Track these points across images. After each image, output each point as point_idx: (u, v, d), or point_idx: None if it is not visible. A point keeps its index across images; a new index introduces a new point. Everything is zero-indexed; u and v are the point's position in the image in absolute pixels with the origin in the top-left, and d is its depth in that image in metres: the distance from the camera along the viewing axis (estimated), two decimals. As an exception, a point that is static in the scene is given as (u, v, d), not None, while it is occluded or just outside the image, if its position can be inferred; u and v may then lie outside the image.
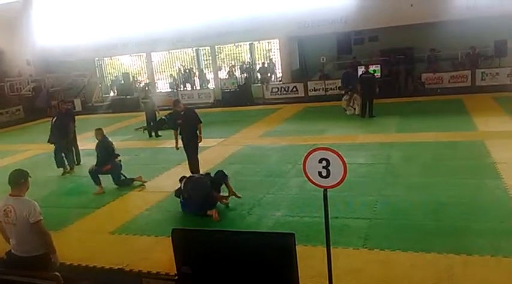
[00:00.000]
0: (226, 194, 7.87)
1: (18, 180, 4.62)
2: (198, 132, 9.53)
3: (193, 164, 9.58)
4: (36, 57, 26.29)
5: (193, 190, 7.48)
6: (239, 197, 7.90)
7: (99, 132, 9.44)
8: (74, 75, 25.70)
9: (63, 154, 11.22)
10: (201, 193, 7.42)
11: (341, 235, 6.12)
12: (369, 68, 15.56)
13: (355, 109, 15.38)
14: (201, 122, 9.59)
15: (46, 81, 25.89)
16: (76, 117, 12.52)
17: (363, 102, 14.85)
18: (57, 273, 4.01)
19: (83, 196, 9.45)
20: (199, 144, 9.75)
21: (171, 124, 10.08)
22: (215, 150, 12.28)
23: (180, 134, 9.63)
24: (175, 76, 24.64)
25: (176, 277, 3.99)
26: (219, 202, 7.68)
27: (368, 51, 21.43)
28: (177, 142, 9.72)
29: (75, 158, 12.04)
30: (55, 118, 11.73)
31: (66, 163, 11.28)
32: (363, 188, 8.01)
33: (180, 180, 7.86)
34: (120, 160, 9.58)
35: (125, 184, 9.48)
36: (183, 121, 9.48)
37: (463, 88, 18.27)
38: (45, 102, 24.86)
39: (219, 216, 7.27)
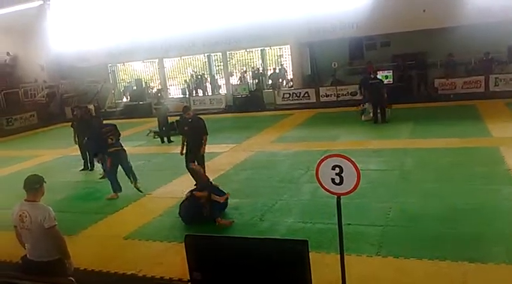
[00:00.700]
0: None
1: (33, 185, 4.65)
2: (202, 142, 9.38)
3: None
4: (51, 63, 26.62)
5: (184, 214, 7.55)
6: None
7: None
8: (88, 81, 25.99)
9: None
10: (190, 216, 7.47)
11: (354, 242, 6.07)
12: (377, 74, 15.44)
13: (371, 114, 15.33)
14: (206, 134, 9.51)
15: (60, 87, 26.21)
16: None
17: (374, 109, 14.79)
18: (71, 278, 4.04)
19: (96, 202, 9.52)
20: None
21: (179, 130, 10.06)
22: (227, 156, 12.30)
23: (186, 141, 9.60)
24: (188, 82, 24.79)
25: (189, 283, 4.00)
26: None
27: (380, 56, 21.37)
28: (182, 148, 9.67)
29: (88, 163, 12.15)
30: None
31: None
32: (376, 194, 7.96)
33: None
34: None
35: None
36: (189, 128, 9.45)
37: (477, 94, 18.11)
38: (59, 108, 25.19)
39: (231, 225, 7.30)
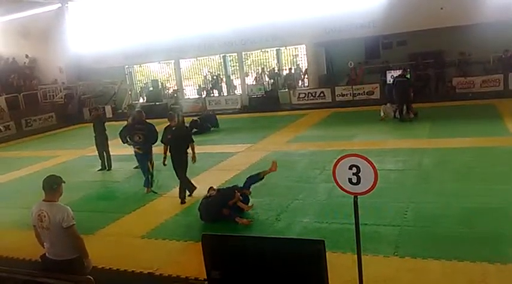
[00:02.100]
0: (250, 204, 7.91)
1: (52, 185, 4.71)
2: (191, 150, 8.96)
3: (185, 182, 8.98)
4: (69, 64, 26.98)
5: (204, 212, 7.57)
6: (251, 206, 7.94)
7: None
8: (105, 83, 26.26)
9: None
10: (211, 214, 7.50)
11: (371, 242, 6.03)
12: (406, 72, 15.37)
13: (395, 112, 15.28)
14: (192, 141, 9.02)
15: (78, 88, 26.55)
16: (106, 123, 12.72)
17: (400, 106, 14.73)
18: (89, 277, 4.09)
19: (113, 201, 9.64)
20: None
21: (162, 138, 9.10)
22: (242, 156, 12.32)
23: (170, 151, 8.88)
24: (204, 83, 24.91)
25: (206, 282, 4.02)
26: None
27: (397, 55, 21.19)
28: (165, 158, 8.90)
29: (106, 163, 12.28)
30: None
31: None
32: (393, 194, 7.89)
33: (208, 191, 7.93)
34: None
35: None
36: (172, 137, 8.83)
37: (495, 93, 17.85)
38: (77, 109, 25.51)
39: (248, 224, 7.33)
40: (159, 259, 6.39)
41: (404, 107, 14.71)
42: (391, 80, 16.16)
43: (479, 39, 17.93)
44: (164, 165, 8.97)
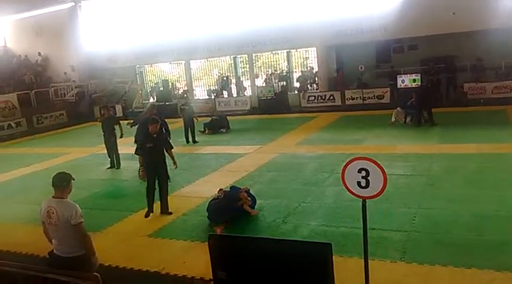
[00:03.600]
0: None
1: (61, 183, 4.74)
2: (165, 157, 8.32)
3: (166, 198, 8.34)
4: (80, 63, 27.19)
5: (212, 213, 7.57)
6: (257, 212, 7.90)
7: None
8: (116, 82, 26.42)
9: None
10: (219, 215, 7.47)
11: (378, 247, 6.00)
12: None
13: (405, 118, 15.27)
14: (172, 147, 8.52)
15: (89, 87, 26.74)
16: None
17: (419, 111, 14.78)
18: (96, 274, 4.11)
19: (122, 199, 9.69)
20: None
21: (141, 149, 8.13)
22: (251, 157, 12.32)
23: (148, 160, 8.02)
24: (215, 84, 25.01)
25: (212, 282, 4.02)
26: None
27: (408, 59, 21.09)
28: (144, 172, 8.03)
29: (115, 162, 12.35)
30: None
31: None
32: (402, 200, 7.84)
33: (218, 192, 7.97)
34: None
35: None
36: (154, 145, 7.98)
37: (507, 99, 17.68)
38: (88, 107, 25.70)
39: (254, 225, 7.34)
40: (166, 258, 6.41)
41: (425, 113, 14.72)
42: (402, 84, 16.17)
43: (491, 45, 17.80)
44: (144, 180, 8.10)
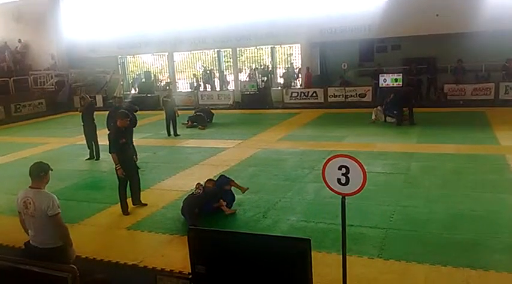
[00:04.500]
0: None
1: (38, 173, 4.67)
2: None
3: (138, 189, 8.29)
4: (61, 52, 26.72)
5: (185, 208, 7.48)
6: (247, 189, 8.09)
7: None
8: (97, 72, 26.02)
9: None
10: (187, 211, 7.39)
11: (356, 244, 6.07)
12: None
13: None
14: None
15: (69, 76, 26.30)
16: (96, 112, 12.60)
17: (400, 111, 14.94)
18: (73, 265, 4.06)
19: (100, 191, 9.57)
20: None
21: (113, 145, 7.78)
22: (233, 152, 12.31)
23: (123, 156, 7.82)
24: (197, 77, 24.87)
25: (190, 276, 4.01)
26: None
27: (390, 59, 21.31)
28: (121, 169, 7.79)
29: (94, 153, 12.20)
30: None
31: None
32: (380, 197, 7.93)
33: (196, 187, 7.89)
34: None
35: None
36: (126, 140, 7.97)
37: (486, 101, 18.00)
38: (67, 96, 25.27)
39: (234, 220, 7.35)
40: (144, 251, 6.37)
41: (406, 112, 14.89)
42: (383, 83, 16.34)
43: (472, 48, 18.12)
44: (123, 175, 7.84)
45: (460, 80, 19.18)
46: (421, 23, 18.91)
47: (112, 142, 7.82)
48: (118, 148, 7.73)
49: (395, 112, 15.00)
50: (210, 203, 7.57)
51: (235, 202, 7.92)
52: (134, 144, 9.25)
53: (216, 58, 25.49)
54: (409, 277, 5.30)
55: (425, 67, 20.07)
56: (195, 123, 16.72)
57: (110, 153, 7.87)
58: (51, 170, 4.78)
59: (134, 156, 8.52)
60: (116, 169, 7.80)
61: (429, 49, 20.32)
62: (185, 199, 7.66)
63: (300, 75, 23.37)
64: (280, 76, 23.85)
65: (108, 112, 11.59)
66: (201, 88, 24.51)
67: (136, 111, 11.30)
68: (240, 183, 8.25)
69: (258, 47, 24.16)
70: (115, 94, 21.43)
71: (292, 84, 23.30)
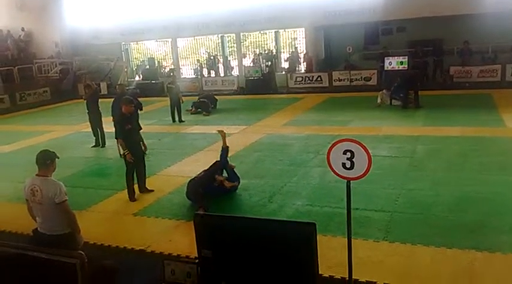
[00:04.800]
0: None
1: (45, 161, 4.70)
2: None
3: (144, 176, 8.36)
4: (65, 39, 26.67)
5: (190, 191, 7.57)
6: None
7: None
8: (101, 59, 25.98)
9: None
10: (192, 192, 7.46)
11: (362, 227, 6.09)
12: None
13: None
14: (141, 128, 8.50)
15: (73, 63, 26.28)
16: (100, 100, 12.60)
17: (406, 93, 14.88)
18: (81, 252, 4.10)
19: (107, 178, 9.64)
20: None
21: (119, 131, 7.88)
22: (237, 138, 12.31)
23: (127, 142, 7.80)
24: (201, 62, 24.79)
25: (197, 260, 4.05)
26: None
27: (396, 42, 21.09)
28: (129, 155, 7.75)
29: (100, 140, 12.25)
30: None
31: None
32: (386, 181, 7.93)
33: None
34: None
35: None
36: (132, 126, 7.97)
37: (493, 83, 17.84)
38: (72, 84, 25.30)
39: (240, 205, 7.40)
40: (151, 237, 6.43)
41: (411, 95, 14.80)
42: (389, 66, 16.21)
43: (478, 29, 17.83)
44: (132, 161, 7.81)
45: (466, 62, 18.99)
46: (426, 5, 18.65)
47: (118, 128, 7.91)
48: (124, 134, 7.77)
49: (401, 95, 14.92)
50: (211, 182, 7.59)
51: (240, 186, 7.95)
52: (141, 132, 9.30)
53: (220, 43, 25.34)
54: (414, 260, 5.32)
55: (431, 49, 19.87)
56: (199, 109, 16.70)
57: (115, 138, 8.01)
58: (58, 158, 4.81)
59: (142, 145, 8.49)
60: (125, 155, 7.83)
61: (435, 31, 20.06)
62: (188, 182, 7.71)
63: (303, 60, 23.22)
64: (285, 60, 23.69)
65: (112, 100, 11.59)
66: (205, 74, 24.44)
67: (138, 94, 11.30)
68: (245, 168, 8.28)
69: (261, 32, 23.97)
70: (119, 82, 21.46)
71: (297, 68, 23.17)
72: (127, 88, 14.17)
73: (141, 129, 8.43)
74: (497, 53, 19.33)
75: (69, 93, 24.33)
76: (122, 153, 9.81)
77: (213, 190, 7.58)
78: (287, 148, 10.95)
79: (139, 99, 11.43)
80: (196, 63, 25.23)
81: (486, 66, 18.68)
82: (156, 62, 25.84)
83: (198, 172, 7.92)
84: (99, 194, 8.45)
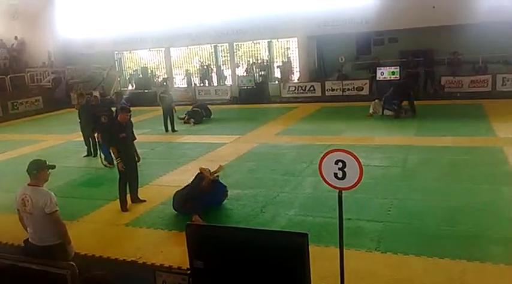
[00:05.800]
0: None
1: (32, 170, 4.68)
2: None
3: (137, 186, 8.30)
4: (57, 48, 26.61)
5: (174, 202, 7.59)
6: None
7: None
8: (94, 68, 25.97)
9: None
10: (179, 204, 7.48)
11: (354, 237, 6.09)
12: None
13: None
14: (135, 138, 8.40)
15: (66, 72, 26.22)
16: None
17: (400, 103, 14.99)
18: (72, 262, 4.07)
19: (98, 188, 9.59)
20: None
21: (111, 140, 7.97)
22: (230, 147, 12.31)
23: (120, 151, 7.80)
24: (196, 72, 24.83)
25: (189, 272, 4.02)
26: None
27: (388, 52, 21.28)
28: (121, 164, 7.79)
29: (91, 150, 12.19)
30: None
31: None
32: (378, 191, 7.96)
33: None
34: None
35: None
36: (126, 135, 7.90)
37: (483, 93, 18.01)
38: (64, 93, 25.22)
39: (232, 215, 7.36)
40: (143, 248, 6.39)
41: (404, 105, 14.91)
42: (381, 76, 16.33)
43: (469, 40, 18.07)
44: (123, 169, 7.82)
45: (456, 72, 19.17)
46: (418, 16, 18.88)
47: (111, 137, 7.91)
48: (117, 143, 7.75)
49: (394, 106, 15.01)
50: (198, 192, 7.40)
51: (232, 196, 7.91)
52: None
53: (213, 53, 25.41)
54: (406, 270, 5.33)
55: (422, 59, 20.05)
56: (192, 119, 16.70)
57: (108, 146, 7.96)
58: (53, 168, 4.77)
59: (136, 157, 8.40)
60: (117, 164, 7.82)
61: (426, 41, 20.30)
62: (174, 195, 7.68)
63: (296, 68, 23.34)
64: (277, 67, 23.75)
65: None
66: (197, 83, 24.44)
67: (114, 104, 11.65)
68: (238, 177, 8.25)
69: (255, 41, 24.08)
70: (114, 90, 21.43)
71: (293, 77, 23.27)
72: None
73: (135, 139, 8.36)
74: (487, 63, 19.54)
75: (61, 102, 24.25)
76: (104, 164, 9.90)
77: (202, 199, 7.50)
78: (280, 157, 10.96)
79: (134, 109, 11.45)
80: (185, 72, 25.27)
81: (477, 76, 18.87)
82: (149, 71, 25.85)
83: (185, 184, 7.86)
84: (90, 204, 8.39)
